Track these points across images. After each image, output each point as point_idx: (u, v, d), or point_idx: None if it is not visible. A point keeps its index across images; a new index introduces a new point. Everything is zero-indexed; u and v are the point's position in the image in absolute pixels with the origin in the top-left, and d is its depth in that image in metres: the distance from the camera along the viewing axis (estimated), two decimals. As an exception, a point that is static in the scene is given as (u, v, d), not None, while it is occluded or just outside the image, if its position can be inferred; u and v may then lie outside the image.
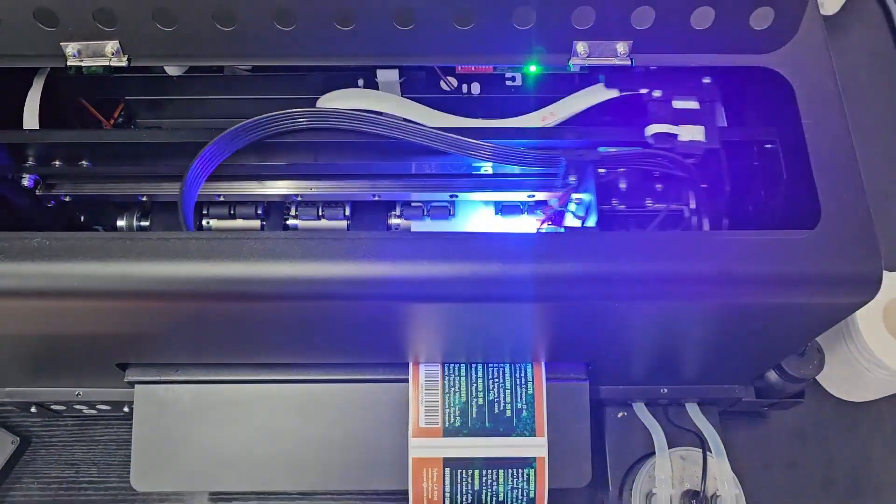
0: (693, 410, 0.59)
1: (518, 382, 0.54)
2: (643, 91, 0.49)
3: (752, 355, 0.52)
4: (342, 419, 0.53)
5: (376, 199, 0.52)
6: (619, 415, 0.61)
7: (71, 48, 0.44)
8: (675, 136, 0.47)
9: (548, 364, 0.54)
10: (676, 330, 0.47)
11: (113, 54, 0.44)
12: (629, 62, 0.45)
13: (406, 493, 0.54)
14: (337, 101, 0.52)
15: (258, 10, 0.42)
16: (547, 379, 0.54)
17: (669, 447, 0.57)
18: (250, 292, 0.40)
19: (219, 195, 0.53)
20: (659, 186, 0.52)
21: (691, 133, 0.47)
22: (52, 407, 0.60)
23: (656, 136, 0.47)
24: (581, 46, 0.44)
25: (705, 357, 0.53)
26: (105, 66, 0.45)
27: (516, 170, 0.50)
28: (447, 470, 0.53)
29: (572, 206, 0.51)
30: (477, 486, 0.54)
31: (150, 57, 0.45)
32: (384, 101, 0.52)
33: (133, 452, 0.53)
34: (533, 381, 0.54)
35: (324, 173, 0.51)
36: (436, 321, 0.46)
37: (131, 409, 0.60)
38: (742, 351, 0.51)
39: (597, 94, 0.51)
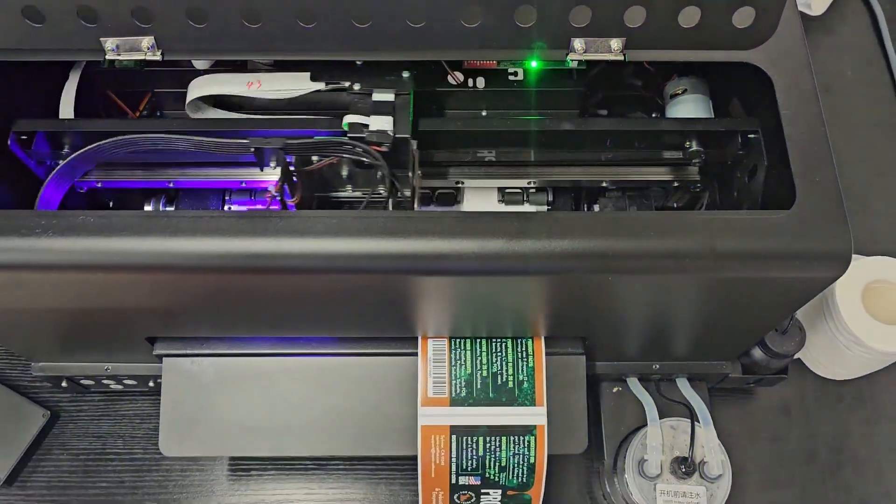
0: (683, 384, 0.63)
1: (520, 356, 0.58)
2: (346, 84, 0.52)
3: (736, 330, 0.56)
4: (355, 390, 0.57)
5: None
6: (615, 390, 0.65)
7: (110, 43, 0.48)
8: (367, 125, 0.50)
9: (547, 339, 0.58)
10: (665, 306, 0.51)
11: (148, 49, 0.48)
12: (622, 58, 0.49)
13: (415, 458, 0.58)
14: (199, 87, 0.55)
15: (282, 9, 0.46)
16: (546, 353, 0.57)
17: (660, 418, 0.61)
18: (277, 266, 0.43)
19: (240, 181, 0.57)
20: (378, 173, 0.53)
21: (380, 123, 0.50)
22: (82, 382, 0.64)
23: (350, 125, 0.50)
24: (578, 43, 0.48)
25: (693, 333, 0.57)
26: (140, 60, 0.49)
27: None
28: (453, 437, 0.57)
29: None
30: (481, 452, 0.58)
31: (182, 52, 0.48)
32: (229, 82, 0.55)
33: (161, 420, 0.57)
34: (533, 355, 0.58)
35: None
36: (443, 296, 0.50)
37: (156, 384, 0.65)
38: (727, 326, 0.55)
39: (302, 83, 0.53)
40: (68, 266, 0.44)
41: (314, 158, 0.51)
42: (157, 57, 0.48)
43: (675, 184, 0.58)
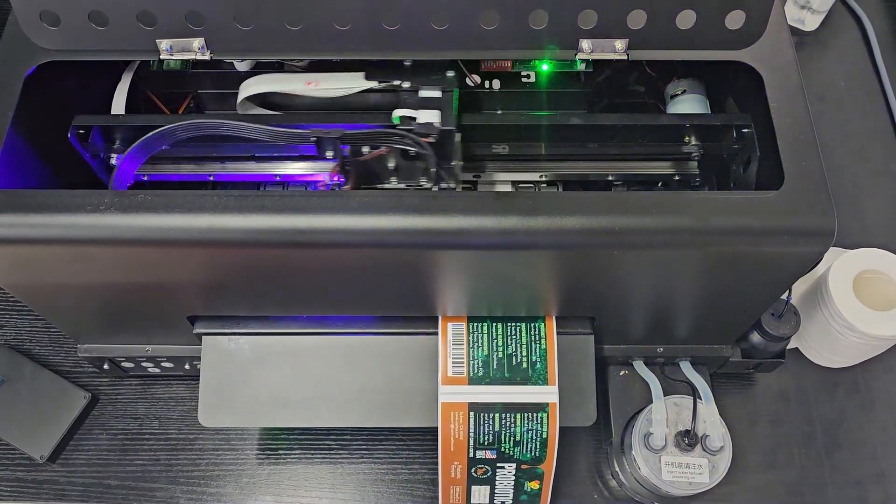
0: (685, 367, 0.67)
1: (533, 338, 0.62)
2: (396, 83, 0.57)
3: (734, 310, 0.60)
4: (381, 366, 0.62)
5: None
6: (621, 373, 0.69)
7: (164, 44, 0.53)
8: (414, 118, 0.55)
9: (558, 319, 0.62)
10: (666, 284, 0.55)
11: (199, 49, 0.53)
12: (626, 57, 0.53)
13: (434, 435, 0.62)
14: (252, 86, 0.60)
15: (320, 12, 0.51)
16: (557, 333, 0.62)
17: (665, 396, 0.65)
18: (318, 241, 0.48)
19: (274, 175, 0.62)
20: (420, 164, 0.57)
21: (428, 116, 0.55)
22: (122, 364, 0.69)
23: (401, 118, 0.55)
24: (586, 44, 0.53)
25: (693, 313, 0.61)
26: (191, 60, 0.54)
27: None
28: (471, 413, 0.61)
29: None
30: (497, 428, 0.61)
31: (229, 52, 0.53)
32: (287, 81, 0.59)
33: (201, 394, 0.61)
34: (546, 338, 0.62)
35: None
36: (462, 273, 0.55)
37: (192, 367, 0.69)
38: (725, 305, 0.59)
39: (357, 82, 0.58)
40: (129, 241, 0.48)
41: (364, 150, 0.55)
42: (207, 57, 0.53)
43: (676, 177, 0.63)
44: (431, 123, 0.54)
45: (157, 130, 0.54)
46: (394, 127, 0.55)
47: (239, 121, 0.54)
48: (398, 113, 0.55)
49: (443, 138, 0.55)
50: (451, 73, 0.58)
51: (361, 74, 0.58)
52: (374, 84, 0.58)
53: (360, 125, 0.55)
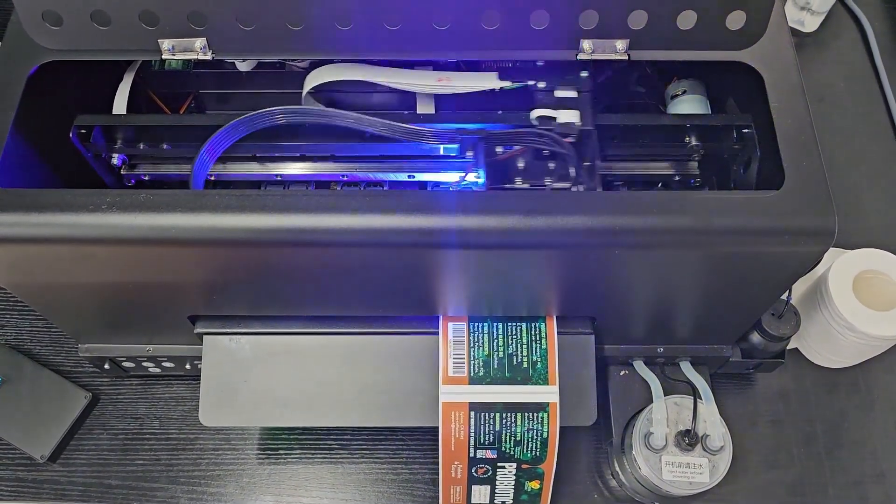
0: (686, 367, 0.67)
1: (534, 338, 0.62)
2: (530, 82, 0.57)
3: (734, 310, 0.61)
4: (381, 366, 0.62)
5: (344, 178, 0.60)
6: (622, 373, 0.69)
7: (166, 44, 0.53)
8: (554, 118, 0.55)
9: (559, 319, 0.62)
10: (666, 283, 0.56)
11: (200, 49, 0.53)
12: (626, 57, 0.54)
13: (434, 434, 0.62)
14: (322, 74, 0.59)
15: (321, 13, 0.51)
16: (558, 332, 0.62)
17: (665, 396, 0.65)
18: (319, 240, 0.48)
19: (276, 175, 0.62)
20: (551, 164, 0.58)
21: (568, 116, 0.55)
22: (123, 364, 0.69)
23: (539, 118, 0.55)
24: (587, 44, 0.53)
25: (693, 313, 0.61)
26: (193, 60, 0.54)
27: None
28: (472, 413, 0.61)
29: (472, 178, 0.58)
30: (498, 427, 0.61)
31: (230, 52, 0.54)
32: (358, 71, 0.59)
33: (201, 393, 0.61)
34: (546, 338, 0.62)
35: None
36: (464, 272, 0.55)
37: (193, 367, 0.69)
38: (725, 305, 0.59)
39: (490, 81, 0.58)
40: (130, 240, 0.48)
41: (498, 150, 0.56)
42: (208, 57, 0.54)
43: (677, 178, 0.63)
44: (572, 123, 0.55)
45: (251, 114, 0.53)
46: (535, 127, 0.55)
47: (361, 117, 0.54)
48: (537, 113, 0.55)
49: (582, 138, 0.55)
50: (584, 74, 0.58)
51: (495, 74, 0.58)
52: (507, 83, 0.58)
53: (502, 125, 0.55)
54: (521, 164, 0.57)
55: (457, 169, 0.59)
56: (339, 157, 0.60)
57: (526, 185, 0.57)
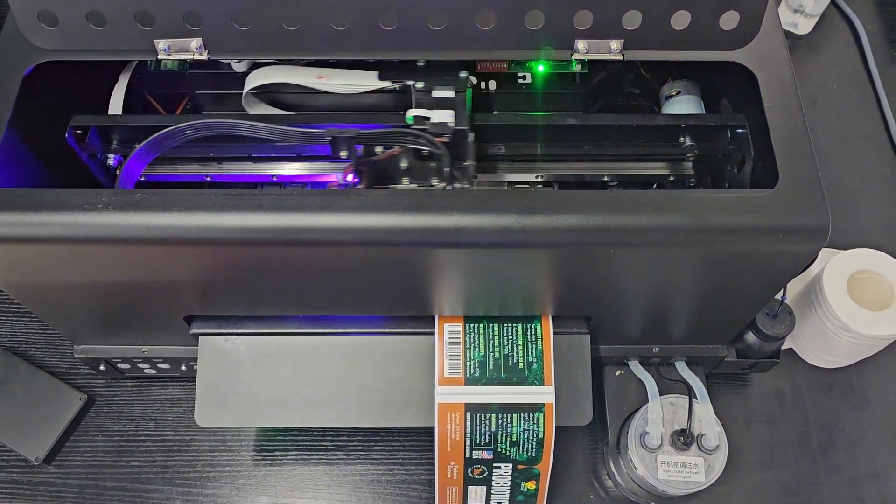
0: (681, 367, 0.67)
1: (529, 339, 0.62)
2: (409, 83, 0.57)
3: (729, 310, 0.61)
4: (377, 366, 0.62)
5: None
6: (617, 373, 0.69)
7: (162, 44, 0.53)
8: (428, 118, 0.55)
9: (555, 319, 0.62)
10: (661, 283, 0.56)
11: (196, 49, 0.53)
12: (621, 57, 0.54)
13: (430, 435, 0.62)
14: (261, 76, 0.59)
15: (317, 13, 0.51)
16: (554, 332, 0.62)
17: (660, 395, 0.65)
18: (315, 239, 0.48)
19: (272, 176, 0.62)
20: (432, 164, 0.56)
21: (442, 116, 0.55)
22: (119, 365, 0.69)
23: (415, 118, 0.55)
24: (581, 44, 0.53)
25: (688, 313, 0.61)
26: (188, 61, 0.54)
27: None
28: (468, 414, 0.61)
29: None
30: (494, 428, 0.61)
31: (226, 52, 0.54)
32: (297, 73, 0.59)
33: (197, 394, 0.61)
34: (542, 338, 0.62)
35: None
36: (459, 272, 0.55)
37: (188, 368, 0.69)
38: (720, 305, 0.59)
39: (370, 81, 0.58)
40: (126, 240, 0.48)
41: (377, 150, 0.55)
42: (204, 57, 0.54)
43: (671, 178, 0.63)
44: (445, 123, 0.55)
45: (167, 129, 0.54)
46: (408, 127, 0.55)
47: (252, 121, 0.54)
48: (412, 113, 0.56)
49: (456, 138, 0.55)
50: (463, 74, 0.58)
51: (375, 74, 0.58)
52: (386, 84, 0.58)
53: (375, 125, 0.55)
54: (403, 165, 0.57)
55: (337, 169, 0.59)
56: (260, 157, 0.60)
57: (413, 186, 0.57)
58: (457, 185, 0.56)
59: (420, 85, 0.57)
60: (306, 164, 0.61)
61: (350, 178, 0.57)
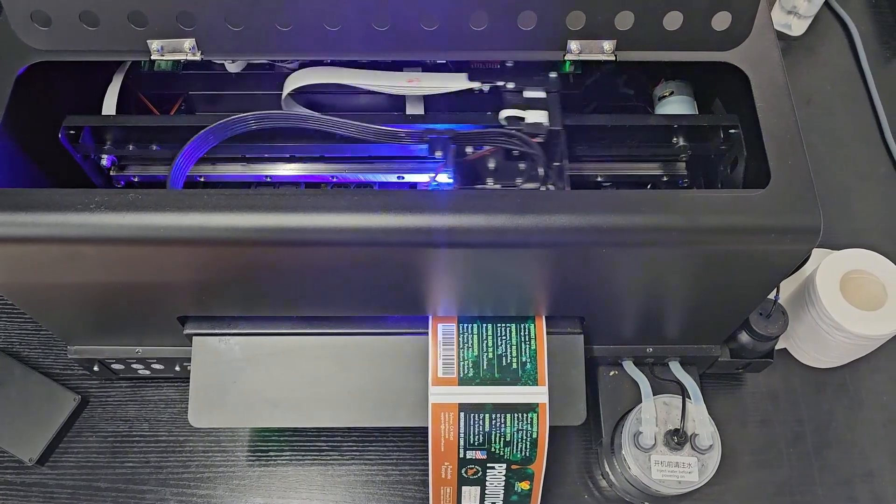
0: (675, 366, 0.67)
1: (523, 339, 0.63)
2: (500, 83, 0.58)
3: (722, 309, 0.61)
4: (371, 367, 0.62)
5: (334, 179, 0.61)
6: (611, 373, 0.69)
7: (155, 45, 0.53)
8: (523, 118, 0.56)
9: (548, 319, 0.62)
10: (655, 282, 0.56)
11: (189, 50, 0.53)
12: (614, 58, 0.54)
13: (424, 435, 0.62)
14: (299, 78, 0.59)
15: (310, 14, 0.52)
16: (547, 332, 0.62)
17: (654, 395, 0.65)
18: (308, 239, 0.48)
19: (265, 175, 0.62)
20: (521, 165, 0.58)
21: (536, 116, 0.56)
22: (112, 366, 0.69)
23: (508, 118, 0.56)
24: (574, 45, 0.53)
25: (682, 312, 0.61)
26: (182, 61, 0.54)
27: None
28: (462, 414, 0.61)
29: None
30: (487, 428, 0.61)
31: (219, 53, 0.54)
32: (333, 73, 0.59)
33: (191, 394, 0.61)
34: (536, 338, 0.63)
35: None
36: (453, 272, 0.55)
37: (182, 369, 0.69)
38: (714, 304, 0.60)
39: (460, 82, 0.59)
40: (119, 240, 0.48)
41: (468, 150, 0.56)
42: (198, 58, 0.54)
43: (665, 178, 0.64)
44: (540, 124, 0.55)
45: (220, 122, 0.53)
46: (503, 127, 0.55)
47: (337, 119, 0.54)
48: (505, 113, 0.56)
49: (550, 138, 0.55)
50: (553, 74, 0.58)
51: (464, 75, 0.59)
52: (476, 84, 0.58)
53: (471, 125, 0.56)
54: (491, 165, 0.57)
55: (427, 170, 0.59)
56: (329, 157, 0.60)
57: (497, 186, 0.58)
58: (551, 186, 0.57)
59: (511, 85, 0.58)
60: (299, 165, 0.61)
61: (443, 177, 0.57)
